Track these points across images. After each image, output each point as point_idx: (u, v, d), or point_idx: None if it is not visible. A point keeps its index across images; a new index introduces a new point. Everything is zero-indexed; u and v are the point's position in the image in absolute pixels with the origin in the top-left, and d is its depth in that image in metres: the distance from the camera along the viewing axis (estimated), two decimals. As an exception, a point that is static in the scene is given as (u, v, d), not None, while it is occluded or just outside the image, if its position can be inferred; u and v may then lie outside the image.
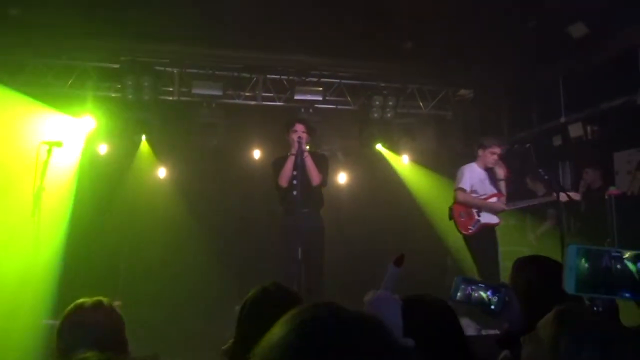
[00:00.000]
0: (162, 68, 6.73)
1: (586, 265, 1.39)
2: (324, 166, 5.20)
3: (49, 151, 4.53)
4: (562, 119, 6.90)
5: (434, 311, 1.68)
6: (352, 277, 6.11)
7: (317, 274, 4.95)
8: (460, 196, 5.45)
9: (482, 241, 5.35)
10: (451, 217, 5.52)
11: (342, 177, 7.47)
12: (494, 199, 5.49)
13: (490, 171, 5.54)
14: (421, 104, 7.67)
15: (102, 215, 6.43)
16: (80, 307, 1.97)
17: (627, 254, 1.40)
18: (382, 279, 1.61)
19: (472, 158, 5.65)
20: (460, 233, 5.47)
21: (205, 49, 6.59)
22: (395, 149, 7.58)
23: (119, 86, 6.59)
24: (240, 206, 6.98)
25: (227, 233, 6.83)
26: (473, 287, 1.79)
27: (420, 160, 7.56)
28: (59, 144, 4.63)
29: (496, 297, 1.76)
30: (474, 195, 5.47)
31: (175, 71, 6.83)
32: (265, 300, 1.98)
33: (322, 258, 5.04)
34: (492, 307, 1.76)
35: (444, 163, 7.23)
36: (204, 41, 6.29)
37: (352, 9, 5.83)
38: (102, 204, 6.49)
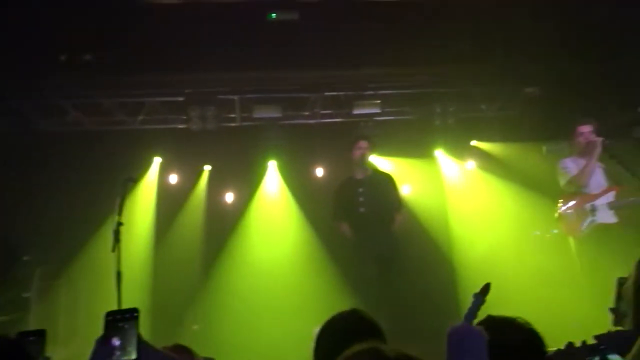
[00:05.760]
0: (224, 96, 6.96)
1: None
2: (395, 189, 5.11)
3: (127, 186, 4.77)
4: (642, 109, 6.47)
5: (519, 337, 1.61)
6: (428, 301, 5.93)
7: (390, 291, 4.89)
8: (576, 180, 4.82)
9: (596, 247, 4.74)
10: (558, 218, 5.00)
11: (406, 189, 7.32)
12: (610, 194, 4.95)
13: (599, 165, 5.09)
14: (483, 106, 7.45)
15: (180, 242, 6.73)
16: None
17: None
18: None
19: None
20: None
21: (263, 73, 6.74)
22: (459, 155, 7.40)
23: (185, 117, 6.87)
24: (307, 225, 7.05)
25: (300, 254, 6.89)
26: None
27: (487, 164, 7.32)
28: (135, 179, 4.89)
29: None
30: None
31: (236, 98, 7.03)
32: (340, 328, 1.97)
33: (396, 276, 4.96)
34: None
35: (513, 166, 6.94)
36: (261, 65, 6.45)
37: (400, 16, 5.78)
38: (180, 232, 6.80)
